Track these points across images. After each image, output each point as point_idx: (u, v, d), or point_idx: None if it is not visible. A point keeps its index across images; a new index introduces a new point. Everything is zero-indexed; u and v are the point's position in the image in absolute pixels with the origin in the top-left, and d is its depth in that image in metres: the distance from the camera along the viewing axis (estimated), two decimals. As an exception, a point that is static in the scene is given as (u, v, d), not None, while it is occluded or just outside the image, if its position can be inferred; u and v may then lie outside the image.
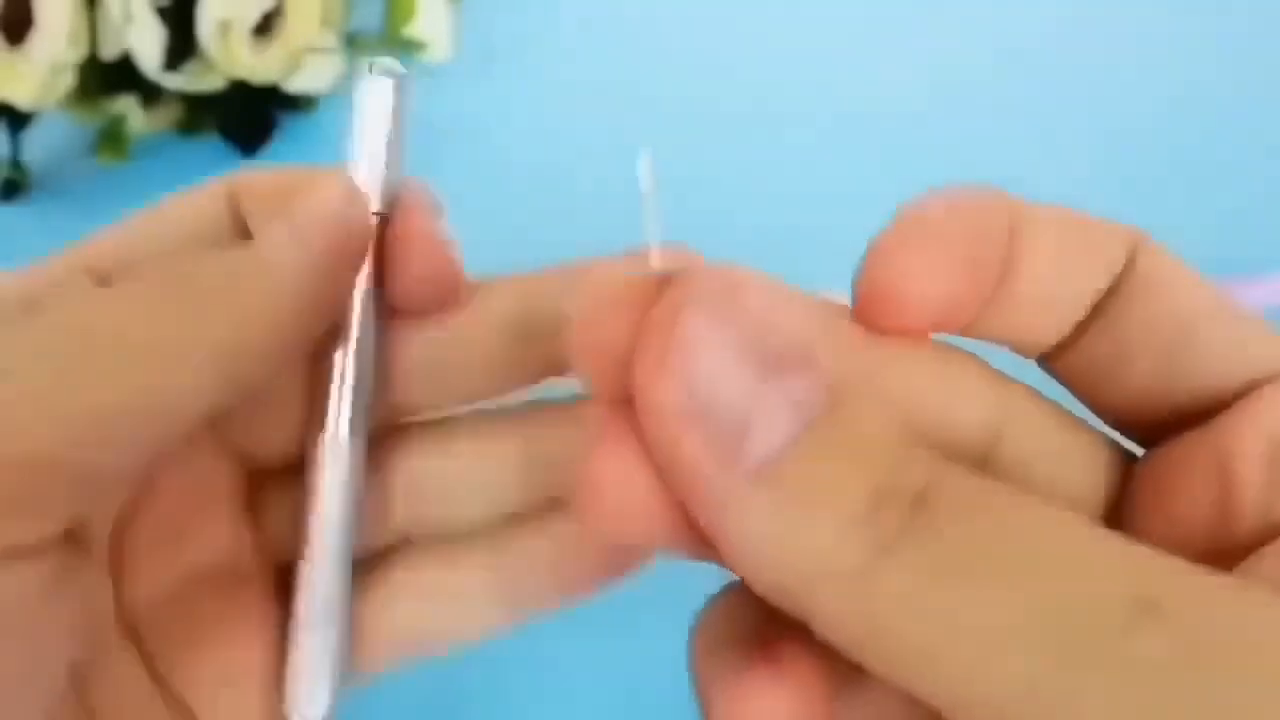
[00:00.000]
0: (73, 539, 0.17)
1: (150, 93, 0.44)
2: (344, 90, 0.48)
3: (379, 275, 0.20)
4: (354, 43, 0.49)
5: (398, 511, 0.21)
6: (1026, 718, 0.12)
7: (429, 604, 0.21)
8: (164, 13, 0.41)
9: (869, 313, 0.16)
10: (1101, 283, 0.16)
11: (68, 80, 0.42)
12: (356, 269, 0.19)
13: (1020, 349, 0.17)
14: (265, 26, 0.43)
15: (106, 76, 0.43)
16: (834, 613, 0.13)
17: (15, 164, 0.45)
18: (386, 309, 0.20)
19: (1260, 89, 0.50)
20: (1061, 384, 0.17)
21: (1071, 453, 0.17)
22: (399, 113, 0.20)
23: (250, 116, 0.46)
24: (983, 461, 0.16)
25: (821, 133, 0.48)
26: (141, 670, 0.19)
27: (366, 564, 0.21)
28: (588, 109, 0.49)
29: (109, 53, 0.42)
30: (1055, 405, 0.17)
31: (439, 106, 0.51)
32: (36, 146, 0.45)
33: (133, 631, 0.19)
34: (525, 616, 0.21)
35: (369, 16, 0.50)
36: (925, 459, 0.13)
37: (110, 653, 0.19)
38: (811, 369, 0.13)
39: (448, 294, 0.20)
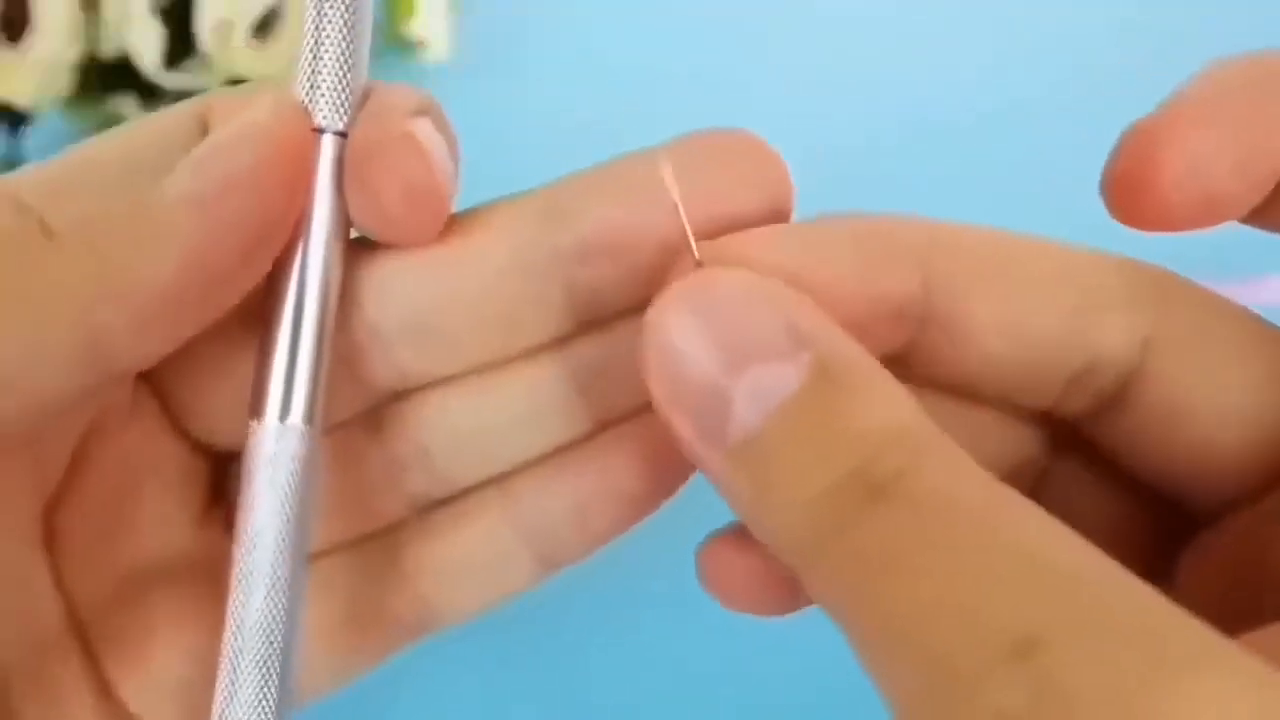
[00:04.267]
0: None
1: (149, 92, 0.43)
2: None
3: (343, 207, 0.16)
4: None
5: (404, 482, 0.18)
6: None
7: (449, 579, 0.18)
8: (163, 11, 0.41)
9: (1121, 207, 0.15)
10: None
11: (66, 79, 0.41)
12: (288, 201, 0.15)
13: None
14: (264, 26, 0.43)
15: (105, 76, 0.42)
16: (795, 569, 0.13)
17: (12, 164, 0.45)
18: (359, 250, 0.16)
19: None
20: None
21: (1234, 377, 0.15)
22: (360, 4, 0.16)
23: (249, 116, 0.46)
24: (1125, 380, 0.15)
25: (824, 132, 0.48)
26: (84, 678, 0.16)
27: (369, 541, 0.18)
28: (588, 109, 0.48)
29: (107, 52, 0.42)
30: (1227, 315, 0.16)
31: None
32: (35, 146, 0.45)
33: (78, 630, 0.17)
34: (555, 569, 0.18)
35: (369, 16, 0.50)
36: (911, 444, 0.13)
37: (48, 654, 0.16)
38: (784, 357, 0.13)
39: (433, 218, 0.16)
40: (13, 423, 0.14)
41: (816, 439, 0.13)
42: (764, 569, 0.16)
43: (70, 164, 0.16)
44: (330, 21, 0.16)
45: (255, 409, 0.16)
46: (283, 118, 0.15)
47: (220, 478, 0.18)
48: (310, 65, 0.16)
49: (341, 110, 0.16)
